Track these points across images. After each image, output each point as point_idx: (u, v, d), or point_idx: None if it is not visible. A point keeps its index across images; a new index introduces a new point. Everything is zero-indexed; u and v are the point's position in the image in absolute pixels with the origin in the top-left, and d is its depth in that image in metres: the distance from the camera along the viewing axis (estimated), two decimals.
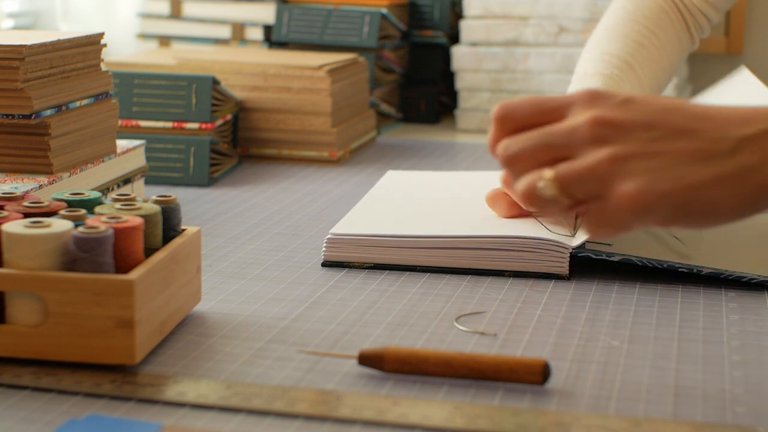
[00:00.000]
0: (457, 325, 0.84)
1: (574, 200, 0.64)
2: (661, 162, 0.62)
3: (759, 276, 0.91)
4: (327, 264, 0.98)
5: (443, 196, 1.10)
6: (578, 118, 0.64)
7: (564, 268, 0.93)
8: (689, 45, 1.27)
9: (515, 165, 0.66)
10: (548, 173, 0.64)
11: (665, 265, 0.92)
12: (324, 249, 0.98)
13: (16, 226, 0.73)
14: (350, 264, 0.97)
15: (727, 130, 0.63)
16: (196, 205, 1.20)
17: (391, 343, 0.80)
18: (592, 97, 0.65)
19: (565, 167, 0.64)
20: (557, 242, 0.93)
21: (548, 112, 0.66)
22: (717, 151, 0.63)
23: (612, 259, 0.93)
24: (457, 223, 0.99)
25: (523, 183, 0.65)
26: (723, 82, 1.10)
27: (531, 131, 0.65)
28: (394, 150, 1.54)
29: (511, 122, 0.67)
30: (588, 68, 1.18)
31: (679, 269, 0.92)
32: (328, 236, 0.98)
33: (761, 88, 0.98)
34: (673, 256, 0.94)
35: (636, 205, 0.62)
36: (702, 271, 0.92)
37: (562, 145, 0.64)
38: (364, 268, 0.97)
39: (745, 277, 0.91)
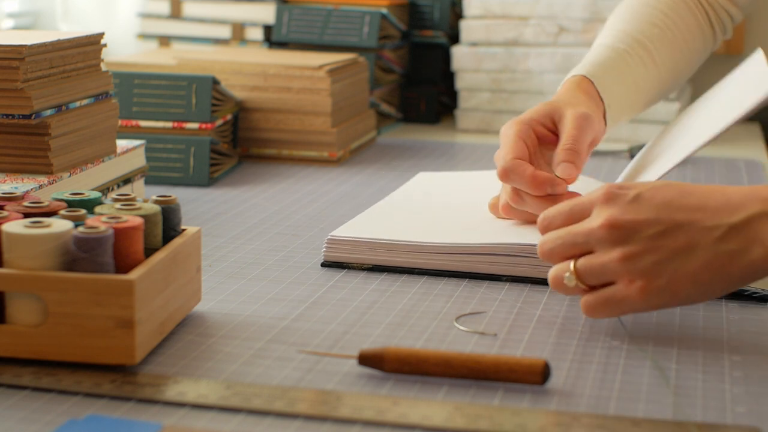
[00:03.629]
0: (457, 325, 0.84)
1: (590, 287, 0.80)
2: (661, 256, 0.76)
3: (762, 290, 0.90)
4: (327, 264, 0.98)
5: (460, 200, 1.10)
6: (595, 221, 0.78)
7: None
8: (711, 38, 1.26)
9: (551, 257, 0.81)
10: (571, 267, 0.79)
11: None
12: (324, 249, 0.98)
13: (16, 226, 0.73)
14: (349, 265, 0.97)
15: (719, 218, 0.76)
16: (196, 205, 1.20)
17: (391, 343, 0.80)
18: (608, 198, 0.79)
19: (583, 262, 0.79)
20: None
21: (577, 213, 0.81)
22: (708, 240, 0.76)
23: None
24: (460, 229, 0.99)
25: (552, 272, 0.81)
26: (739, 66, 1.10)
27: (561, 231, 0.81)
28: (394, 150, 1.54)
29: (552, 226, 0.82)
30: (596, 40, 1.19)
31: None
32: (328, 238, 0.98)
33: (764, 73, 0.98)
34: None
35: (643, 297, 0.77)
36: None
37: (583, 243, 0.79)
38: (363, 269, 0.97)
39: (748, 290, 0.90)
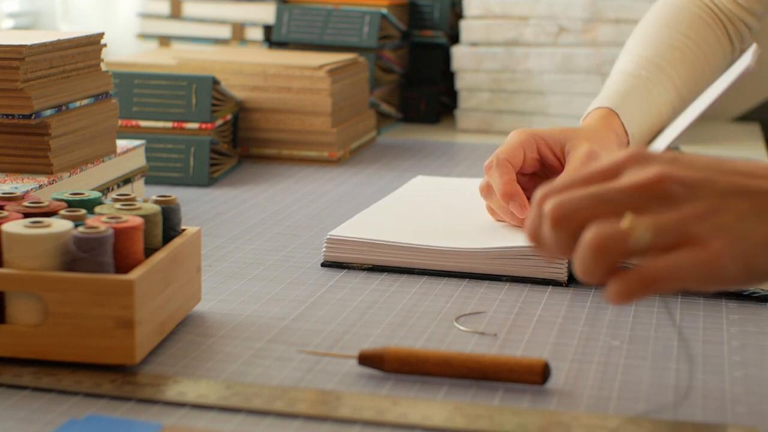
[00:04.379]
0: (457, 325, 0.84)
1: (657, 249, 0.61)
2: (734, 217, 0.61)
3: (762, 290, 0.90)
4: (327, 264, 0.98)
5: (457, 203, 1.10)
6: (642, 175, 0.62)
7: (563, 274, 0.93)
8: (729, 50, 1.26)
9: (569, 223, 0.62)
10: (644, 222, 0.60)
11: None
12: (324, 249, 0.98)
13: (16, 226, 0.73)
14: (349, 265, 0.97)
15: None
16: (196, 205, 1.20)
17: (391, 343, 0.80)
18: (641, 157, 0.63)
19: (652, 218, 0.61)
20: None
21: (597, 177, 0.64)
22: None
23: None
24: (458, 232, 0.99)
25: (598, 232, 0.61)
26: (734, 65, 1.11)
27: (584, 188, 0.62)
28: (394, 150, 1.54)
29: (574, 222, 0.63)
30: (614, 70, 1.19)
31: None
32: (328, 237, 0.98)
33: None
34: None
35: (720, 263, 0.60)
36: None
37: (626, 201, 0.61)
38: (363, 269, 0.97)
39: (747, 290, 0.90)
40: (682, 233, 0.60)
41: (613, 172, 0.63)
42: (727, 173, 0.62)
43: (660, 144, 1.00)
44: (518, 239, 0.96)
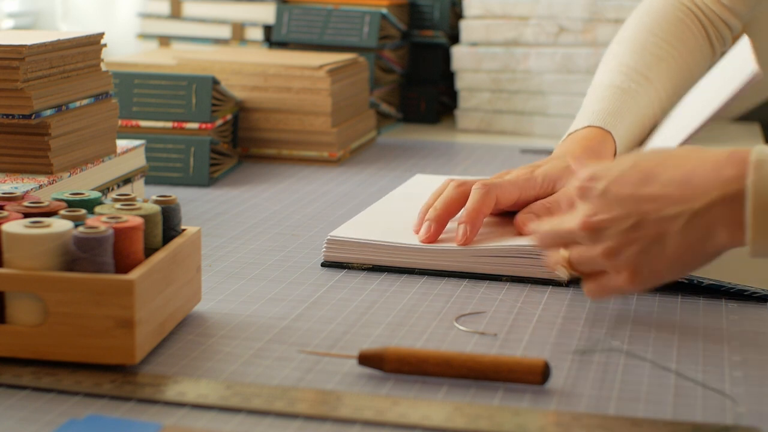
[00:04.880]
0: (457, 325, 0.84)
1: (586, 274, 0.85)
2: (638, 247, 0.80)
3: (762, 290, 0.90)
4: (327, 264, 0.98)
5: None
6: (575, 221, 0.82)
7: (563, 273, 0.93)
8: (711, 56, 1.26)
9: (545, 248, 0.87)
10: (564, 255, 0.84)
11: None
12: (324, 249, 0.98)
13: (16, 226, 0.73)
14: (350, 265, 0.97)
15: (682, 205, 0.78)
16: (196, 205, 1.20)
17: (391, 343, 0.80)
18: (580, 193, 0.82)
19: (574, 254, 0.84)
20: None
21: (555, 209, 0.95)
22: (675, 228, 0.78)
23: None
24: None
25: (548, 262, 0.87)
26: (727, 54, 1.10)
27: (552, 226, 0.86)
28: (394, 150, 1.54)
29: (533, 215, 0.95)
30: (605, 79, 1.17)
31: (679, 279, 0.91)
32: (328, 238, 0.98)
33: (744, 61, 0.98)
34: None
35: (632, 284, 0.81)
36: (703, 283, 0.91)
37: (570, 240, 0.83)
38: (363, 269, 0.97)
39: (748, 290, 0.90)
40: (595, 266, 0.83)
41: (566, 203, 0.86)
42: (642, 202, 0.79)
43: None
44: (517, 239, 0.95)
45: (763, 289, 0.90)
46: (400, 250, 0.96)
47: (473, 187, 0.98)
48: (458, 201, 0.98)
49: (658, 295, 0.90)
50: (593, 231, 0.81)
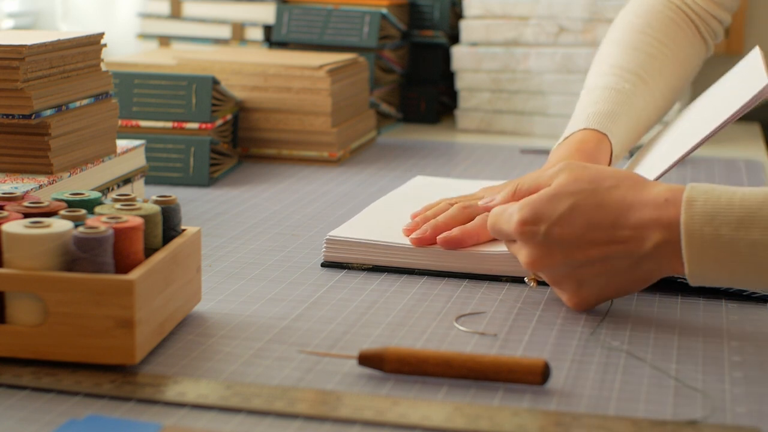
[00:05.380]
0: (457, 325, 0.84)
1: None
2: (583, 280, 0.84)
3: (760, 291, 0.90)
4: (327, 264, 0.98)
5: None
6: (519, 257, 0.86)
7: None
8: (704, 51, 1.25)
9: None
10: (531, 275, 0.90)
11: None
12: (323, 249, 0.98)
13: (16, 226, 0.73)
14: (349, 265, 0.97)
15: (630, 250, 0.82)
16: (196, 205, 1.20)
17: (391, 343, 0.80)
18: (521, 236, 0.85)
19: (545, 275, 0.87)
20: None
21: (504, 236, 0.88)
22: (623, 266, 0.83)
23: None
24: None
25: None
26: (738, 64, 1.10)
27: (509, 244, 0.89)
28: (394, 150, 1.54)
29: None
30: (598, 81, 1.17)
31: (678, 280, 0.91)
32: (327, 238, 0.98)
33: (758, 72, 0.98)
34: None
35: (580, 306, 0.86)
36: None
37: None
38: (363, 269, 0.97)
39: (747, 290, 0.90)
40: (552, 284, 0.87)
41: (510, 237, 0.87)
42: (588, 246, 0.83)
43: (658, 169, 0.99)
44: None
45: (762, 290, 0.90)
46: (399, 250, 0.96)
47: (480, 215, 0.97)
48: (461, 222, 0.98)
49: (658, 295, 0.90)
50: (538, 268, 0.85)
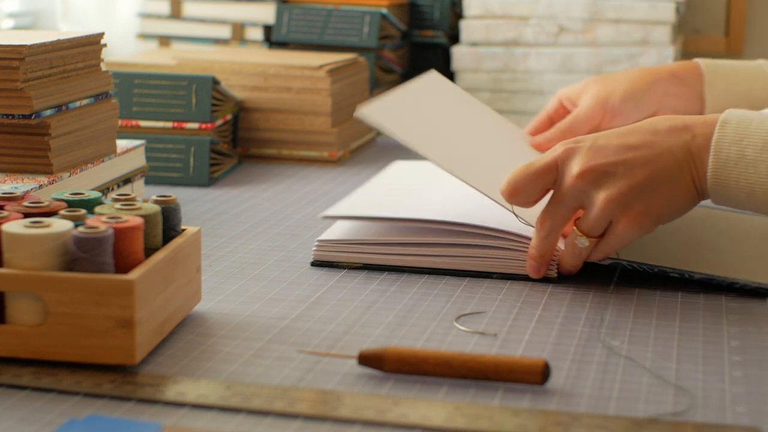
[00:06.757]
0: (457, 325, 0.84)
1: (597, 238, 0.89)
2: (637, 189, 0.86)
3: (751, 282, 0.90)
4: (317, 264, 0.98)
5: (441, 185, 1.08)
6: (569, 178, 0.88)
7: (552, 270, 0.93)
8: None
9: (552, 231, 0.90)
10: (578, 232, 0.89)
11: (656, 269, 0.92)
12: (314, 249, 0.98)
13: (16, 226, 0.73)
14: (339, 264, 0.97)
15: (672, 138, 0.87)
16: (196, 205, 1.20)
17: (391, 343, 0.80)
18: (568, 153, 0.88)
19: (584, 222, 0.88)
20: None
21: (543, 174, 0.89)
22: (669, 165, 0.87)
23: (603, 263, 0.92)
24: (440, 208, 0.98)
25: (566, 245, 0.91)
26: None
27: (552, 211, 0.89)
28: (394, 150, 1.54)
29: (521, 191, 0.90)
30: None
31: (671, 274, 0.91)
32: (317, 241, 0.98)
33: None
34: (666, 261, 0.93)
35: (636, 226, 0.87)
36: (694, 276, 0.91)
37: (575, 205, 0.88)
38: (354, 268, 0.97)
39: (738, 283, 0.90)
40: (605, 221, 0.87)
41: (552, 169, 0.89)
42: (633, 148, 0.87)
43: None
44: (506, 223, 0.95)
45: (754, 281, 0.90)
46: (390, 246, 0.96)
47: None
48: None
49: (658, 295, 0.91)
50: (593, 178, 0.87)
